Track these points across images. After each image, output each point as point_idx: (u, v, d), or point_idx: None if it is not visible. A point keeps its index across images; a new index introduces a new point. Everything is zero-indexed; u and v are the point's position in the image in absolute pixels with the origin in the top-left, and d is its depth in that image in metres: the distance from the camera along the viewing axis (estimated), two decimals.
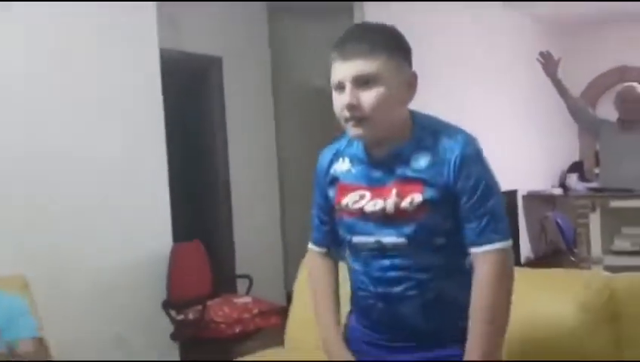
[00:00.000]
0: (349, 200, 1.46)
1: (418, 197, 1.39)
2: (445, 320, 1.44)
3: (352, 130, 1.40)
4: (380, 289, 1.44)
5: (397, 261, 1.42)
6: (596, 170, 7.05)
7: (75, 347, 2.82)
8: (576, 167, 7.22)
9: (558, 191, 6.84)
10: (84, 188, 3.14)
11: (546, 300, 1.82)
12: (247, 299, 3.53)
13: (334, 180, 1.52)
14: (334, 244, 1.61)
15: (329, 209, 1.56)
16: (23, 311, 2.25)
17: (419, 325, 1.44)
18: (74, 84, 3.15)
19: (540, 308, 1.81)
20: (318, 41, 5.80)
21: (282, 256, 5.22)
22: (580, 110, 4.11)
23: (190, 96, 4.85)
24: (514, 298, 1.43)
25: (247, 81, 5.01)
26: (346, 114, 1.38)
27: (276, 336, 2.69)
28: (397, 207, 1.40)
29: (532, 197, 6.68)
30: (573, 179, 6.91)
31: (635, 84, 4.01)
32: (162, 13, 3.68)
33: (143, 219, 3.39)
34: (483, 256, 1.39)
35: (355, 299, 1.55)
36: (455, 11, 5.54)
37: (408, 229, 1.40)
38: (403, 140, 1.42)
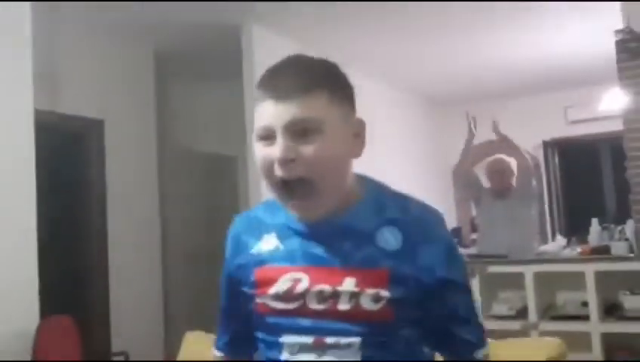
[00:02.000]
0: (278, 288, 1.07)
1: (384, 293, 1.03)
2: None
3: (295, 210, 1.04)
4: None
5: None
6: (472, 236, 7.45)
7: None
8: (455, 233, 7.58)
9: None
10: None
11: None
12: None
13: (255, 264, 1.11)
14: (244, 352, 1.23)
15: (238, 308, 1.16)
16: None
17: None
18: None
19: None
20: (208, 105, 5.81)
21: (163, 330, 4.93)
22: (476, 177, 4.38)
23: (67, 161, 4.58)
24: None
25: (131, 146, 4.84)
26: (279, 173, 1.00)
27: None
28: (355, 303, 1.03)
29: None
30: None
31: (502, 156, 4.32)
32: (39, 73, 3.49)
33: (8, 292, 3.07)
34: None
35: None
36: None
37: (364, 329, 1.03)
38: (351, 206, 1.07)
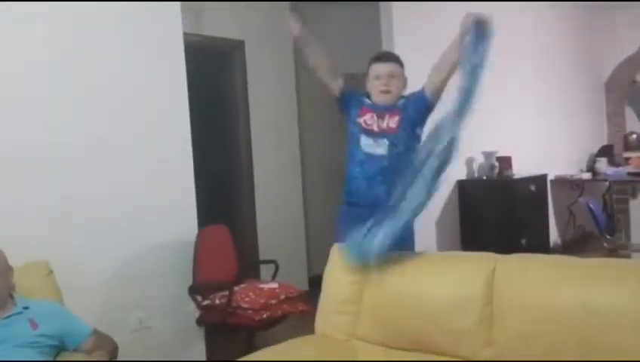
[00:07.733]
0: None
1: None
2: None
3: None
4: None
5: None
6: (625, 155, 6.89)
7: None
8: (606, 151, 7.05)
9: (587, 175, 6.68)
10: (109, 175, 3.10)
11: (601, 291, 1.73)
12: (274, 285, 3.47)
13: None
14: None
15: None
16: (66, 316, 2.34)
17: None
18: (98, 72, 3.09)
19: (595, 300, 1.73)
20: (341, 27, 5.74)
21: (305, 241, 5.17)
22: None
23: (213, 79, 4.81)
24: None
25: (271, 65, 4.96)
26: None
27: (302, 323, 2.64)
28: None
29: (560, 182, 6.54)
30: (602, 164, 6.74)
31: None
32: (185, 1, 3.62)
33: (169, 204, 3.35)
34: None
35: None
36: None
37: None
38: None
